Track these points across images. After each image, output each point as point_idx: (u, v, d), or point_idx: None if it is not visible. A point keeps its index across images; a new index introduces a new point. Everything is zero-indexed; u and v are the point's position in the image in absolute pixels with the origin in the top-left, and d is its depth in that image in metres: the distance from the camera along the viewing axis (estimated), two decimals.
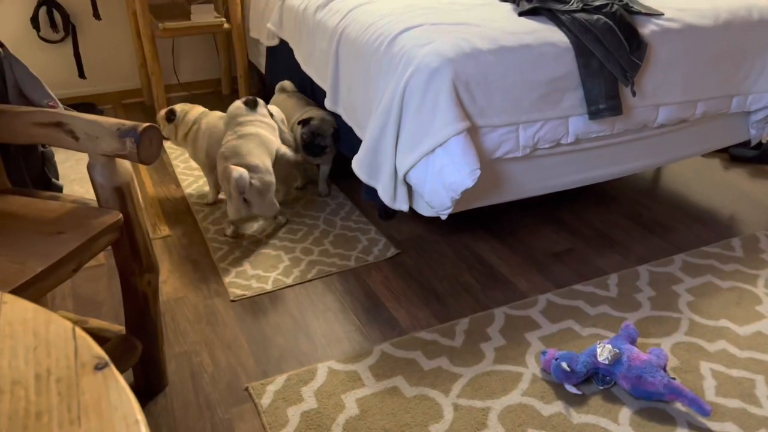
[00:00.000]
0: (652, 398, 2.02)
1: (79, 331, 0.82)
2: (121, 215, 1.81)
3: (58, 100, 2.19)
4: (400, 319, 2.50)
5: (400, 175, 2.59)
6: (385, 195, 2.72)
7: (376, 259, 2.86)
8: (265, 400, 2.09)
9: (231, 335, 2.39)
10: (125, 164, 1.88)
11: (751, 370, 2.16)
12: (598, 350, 2.11)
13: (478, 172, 2.42)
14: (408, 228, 3.13)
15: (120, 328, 2.08)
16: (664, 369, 2.06)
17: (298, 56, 3.49)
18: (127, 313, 2.02)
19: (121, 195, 1.83)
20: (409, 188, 2.69)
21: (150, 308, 2.02)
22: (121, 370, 1.97)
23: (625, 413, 2.01)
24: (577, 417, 2.00)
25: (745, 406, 2.01)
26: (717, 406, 2.01)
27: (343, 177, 3.64)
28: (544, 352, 2.20)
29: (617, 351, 2.09)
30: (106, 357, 0.78)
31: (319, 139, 3.15)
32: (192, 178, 3.60)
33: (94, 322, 2.11)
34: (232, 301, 2.58)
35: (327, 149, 3.19)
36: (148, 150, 1.75)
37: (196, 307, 2.55)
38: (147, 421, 2.02)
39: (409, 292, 2.65)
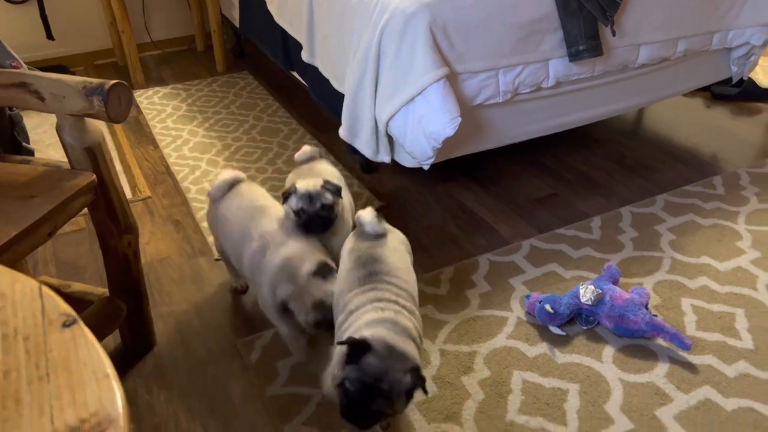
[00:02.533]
0: (635, 336, 2.06)
1: (45, 290, 0.81)
2: (94, 176, 1.78)
3: (21, 61, 2.11)
4: None
5: (381, 126, 2.55)
6: (366, 148, 2.69)
7: None
8: (254, 356, 2.10)
9: (217, 294, 2.39)
10: (95, 124, 1.83)
11: (731, 305, 2.20)
12: (581, 291, 2.13)
13: (459, 120, 2.39)
14: (391, 180, 3.11)
15: (104, 290, 2.07)
16: (646, 307, 2.09)
17: (271, 7, 3.39)
18: (109, 275, 2.01)
19: (92, 155, 1.79)
20: (391, 140, 2.65)
21: (132, 269, 2.00)
22: (107, 332, 1.97)
23: (608, 351, 2.04)
24: (562, 357, 2.03)
25: (725, 339, 2.05)
26: (697, 341, 2.05)
27: (323, 130, 3.59)
28: (528, 296, 2.22)
29: (600, 291, 2.11)
30: (74, 314, 0.77)
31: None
32: (170, 138, 3.54)
33: (77, 286, 2.10)
34: (217, 260, 2.57)
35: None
36: (117, 108, 1.70)
37: (180, 268, 2.54)
38: (136, 382, 2.04)
39: None
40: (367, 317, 1.59)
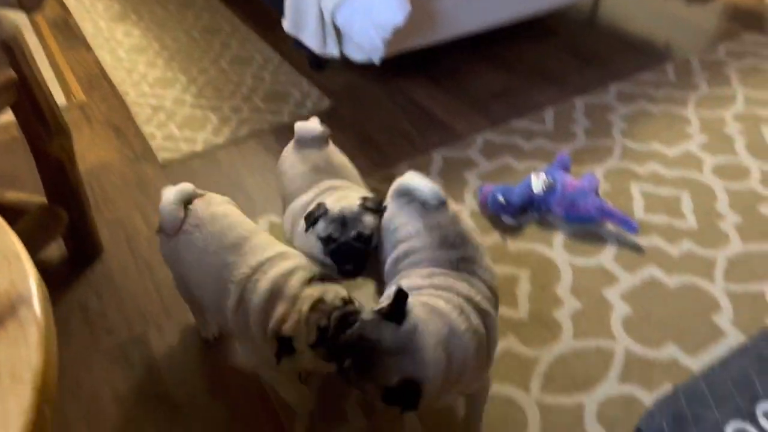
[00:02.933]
0: (585, 222, 2.09)
1: None
2: (14, 73, 1.64)
3: None
4: None
5: (327, 15, 2.42)
6: (313, 40, 2.56)
7: (309, 113, 2.75)
8: None
9: None
10: (8, 17, 1.67)
11: (678, 187, 2.24)
12: (533, 181, 2.14)
13: (408, 8, 2.28)
14: (341, 78, 3.00)
15: (42, 199, 1.98)
16: (596, 193, 2.11)
17: None
18: (45, 182, 1.91)
19: (9, 51, 1.65)
20: (339, 32, 2.53)
21: (68, 175, 1.90)
22: (47, 240, 1.89)
23: (558, 238, 2.08)
24: (514, 245, 2.06)
25: (671, 220, 2.11)
26: (644, 223, 2.10)
27: (268, 28, 3.41)
28: (480, 188, 2.22)
29: (551, 180, 2.12)
30: None
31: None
32: (102, 39, 3.31)
33: (12, 195, 2.00)
34: (162, 164, 2.47)
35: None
36: None
37: (123, 174, 2.44)
38: (86, 289, 1.99)
39: (346, 143, 2.58)
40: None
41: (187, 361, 1.76)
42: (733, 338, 1.72)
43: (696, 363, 1.67)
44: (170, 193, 1.57)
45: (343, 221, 1.50)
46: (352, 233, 1.49)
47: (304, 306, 1.36)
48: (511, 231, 2.11)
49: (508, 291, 1.90)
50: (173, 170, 2.44)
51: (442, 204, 1.47)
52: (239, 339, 1.52)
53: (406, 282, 1.36)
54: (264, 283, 1.41)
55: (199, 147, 2.54)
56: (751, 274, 1.91)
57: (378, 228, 1.54)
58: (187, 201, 1.58)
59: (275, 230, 2.15)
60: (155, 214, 2.25)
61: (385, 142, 2.58)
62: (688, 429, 1.44)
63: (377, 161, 2.47)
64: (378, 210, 1.54)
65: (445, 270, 1.36)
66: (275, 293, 1.39)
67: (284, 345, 1.35)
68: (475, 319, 1.27)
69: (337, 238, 1.50)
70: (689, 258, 1.97)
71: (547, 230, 2.11)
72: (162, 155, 2.50)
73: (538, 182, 2.12)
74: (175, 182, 2.38)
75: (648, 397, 1.59)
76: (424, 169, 2.40)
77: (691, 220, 2.11)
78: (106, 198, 2.33)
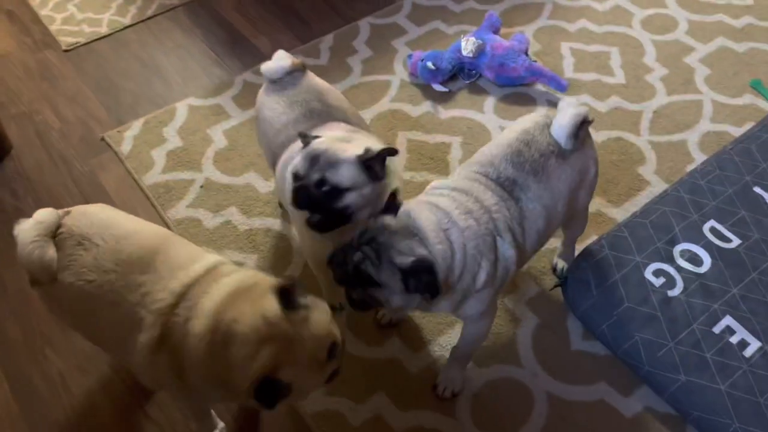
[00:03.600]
0: (515, 83, 2.06)
1: None
2: None
3: None
4: (261, 45, 2.31)
5: None
6: None
7: None
8: (125, 147, 1.96)
9: (73, 87, 2.15)
10: None
11: (608, 44, 2.21)
12: (463, 44, 2.06)
13: None
14: None
15: None
16: (526, 53, 2.06)
17: None
18: None
19: None
20: None
21: None
22: None
23: (489, 102, 2.04)
24: (445, 113, 2.02)
25: (600, 77, 2.09)
26: (574, 81, 2.08)
27: None
28: (410, 56, 2.13)
29: (481, 42, 2.05)
30: None
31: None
32: None
33: None
34: (66, 50, 2.27)
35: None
36: None
37: (25, 64, 2.23)
38: None
39: (267, 16, 2.42)
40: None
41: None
42: (656, 187, 1.77)
43: (621, 213, 1.72)
44: (26, 232, 1.17)
45: (314, 159, 1.23)
46: (315, 176, 1.21)
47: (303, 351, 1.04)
48: (442, 99, 2.06)
49: (440, 159, 1.88)
50: (78, 56, 2.25)
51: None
52: (151, 383, 1.23)
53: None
54: (200, 322, 1.08)
55: (104, 29, 2.34)
56: (675, 124, 1.94)
57: (371, 196, 1.25)
58: (51, 230, 1.18)
59: (195, 114, 2.04)
60: (66, 104, 2.09)
61: (309, 12, 2.43)
62: (611, 274, 1.51)
63: (300, 34, 2.34)
64: (374, 172, 1.24)
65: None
66: (224, 334, 1.04)
67: (278, 389, 1.02)
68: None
69: (303, 177, 1.24)
70: (617, 113, 1.98)
71: (478, 95, 2.07)
72: (64, 40, 2.29)
73: (467, 45, 2.05)
74: (82, 69, 2.21)
75: (575, 250, 1.64)
76: (351, 39, 2.29)
77: (619, 76, 2.10)
78: (9, 91, 2.15)
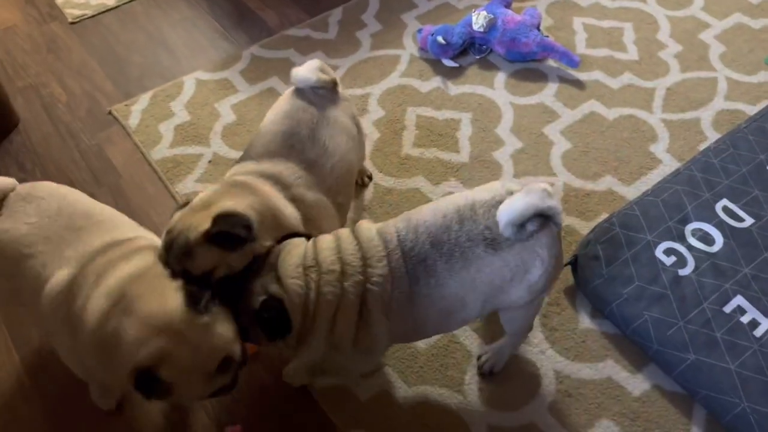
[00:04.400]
0: (526, 59, 2.03)
1: None
2: None
3: None
4: (268, 18, 2.28)
5: None
6: None
7: None
8: (132, 121, 1.95)
9: (79, 60, 2.13)
10: None
11: (621, 19, 2.17)
12: (474, 18, 2.03)
13: None
14: None
15: None
16: (538, 28, 2.03)
17: None
18: None
19: None
20: None
21: None
22: None
23: (500, 78, 2.02)
24: (455, 89, 2.00)
25: (613, 53, 2.06)
26: (586, 57, 2.04)
27: None
28: (419, 30, 2.10)
29: (492, 16, 2.02)
30: None
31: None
32: None
33: None
34: (72, 23, 2.25)
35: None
36: None
37: (31, 36, 2.21)
38: (6, 162, 1.87)
39: None
40: None
41: None
42: (668, 166, 1.75)
43: (632, 192, 1.70)
44: None
45: (168, 246, 1.12)
46: (177, 269, 1.10)
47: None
48: (452, 74, 2.04)
49: (449, 135, 1.86)
50: (85, 29, 2.23)
51: None
52: (46, 335, 1.22)
53: None
54: (109, 284, 1.07)
55: (111, 1, 2.31)
56: (688, 102, 1.91)
57: (244, 260, 1.12)
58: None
59: (203, 88, 2.02)
60: (73, 78, 2.08)
61: None
62: (621, 252, 1.50)
63: (308, 7, 2.30)
64: (231, 242, 1.10)
65: None
66: (125, 306, 1.04)
67: (156, 385, 1.00)
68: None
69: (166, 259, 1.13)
70: (629, 90, 1.95)
71: (489, 71, 2.04)
72: (71, 12, 2.27)
73: (478, 19, 2.02)
74: (88, 42, 2.19)
75: (586, 228, 1.63)
76: (360, 12, 2.25)
77: (632, 52, 2.06)
78: (15, 64, 2.13)
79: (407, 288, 1.10)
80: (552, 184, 1.06)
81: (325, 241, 1.13)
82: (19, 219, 1.18)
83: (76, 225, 1.17)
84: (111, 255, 1.11)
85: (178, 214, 1.15)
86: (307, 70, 1.39)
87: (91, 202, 1.24)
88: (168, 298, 1.03)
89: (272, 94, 2.00)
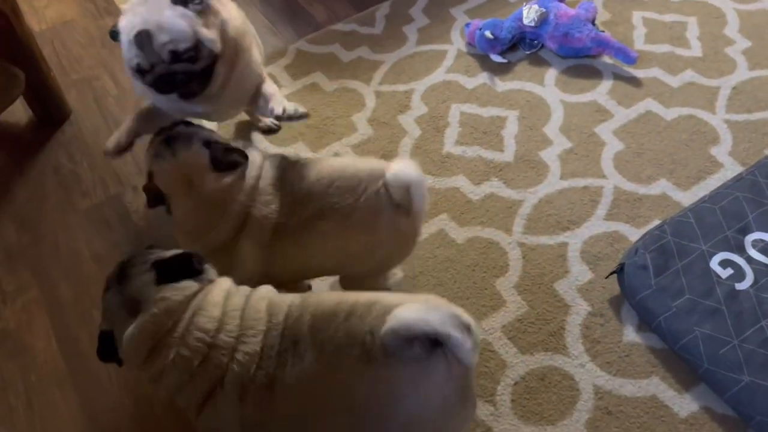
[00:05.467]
0: (579, 54, 1.93)
1: None
2: None
3: None
4: (315, 13, 2.26)
5: None
6: None
7: None
8: None
9: None
10: None
11: (685, 13, 2.04)
12: (524, 12, 1.95)
13: None
14: None
15: None
16: (593, 23, 1.93)
17: None
18: None
19: None
20: None
21: (16, 29, 1.76)
22: (7, 101, 1.80)
23: (551, 74, 1.93)
24: (502, 85, 1.92)
25: (674, 49, 1.93)
26: (645, 54, 1.93)
27: None
28: (467, 24, 2.04)
29: (544, 10, 1.93)
30: None
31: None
32: None
33: None
34: None
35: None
36: None
37: (86, 30, 2.27)
38: (57, 152, 1.92)
39: None
40: None
41: (165, 220, 1.72)
42: (730, 171, 1.63)
43: (689, 197, 1.59)
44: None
45: (141, 41, 1.15)
46: (165, 55, 1.14)
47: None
48: (500, 70, 1.96)
49: (493, 133, 1.80)
50: None
51: None
52: None
53: None
54: None
55: None
56: (755, 102, 1.77)
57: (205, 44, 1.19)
58: None
59: None
60: (122, 71, 2.12)
61: None
62: (672, 262, 1.40)
63: (356, 2, 2.27)
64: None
65: None
66: None
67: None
68: None
69: (148, 67, 1.18)
70: (690, 88, 1.83)
71: (539, 67, 1.96)
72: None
73: (529, 13, 1.94)
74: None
75: (635, 234, 1.53)
76: (408, 6, 2.20)
77: (696, 48, 1.93)
78: (70, 57, 2.19)
79: (271, 371, 0.96)
80: (468, 325, 0.91)
81: (213, 296, 1.03)
82: None
83: None
84: None
85: None
86: None
87: None
88: None
89: (315, 89, 1.98)
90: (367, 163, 1.27)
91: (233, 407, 0.97)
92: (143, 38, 1.19)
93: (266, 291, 1.09)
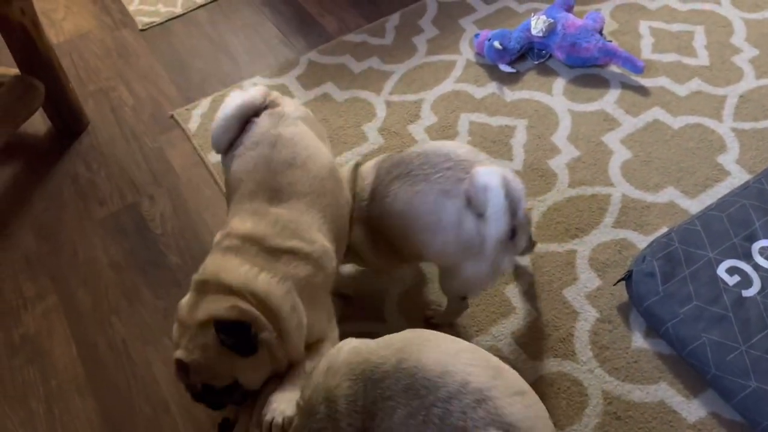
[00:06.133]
0: (587, 64, 1.95)
1: None
2: None
3: None
4: (326, 24, 2.30)
5: None
6: None
7: None
8: (192, 125, 2.01)
9: (146, 65, 2.22)
10: None
11: (692, 22, 2.06)
12: (533, 23, 1.98)
13: None
14: None
15: (15, 71, 1.90)
16: (600, 32, 1.95)
17: None
18: (13, 52, 1.82)
19: None
20: None
21: (36, 42, 1.81)
22: (27, 112, 1.85)
23: (559, 84, 1.95)
24: (511, 95, 1.95)
25: (681, 58, 1.95)
26: (652, 63, 1.95)
27: None
28: (476, 35, 2.07)
29: (552, 21, 1.96)
30: None
31: None
32: None
33: None
34: (141, 30, 2.35)
35: None
36: None
37: (103, 42, 2.33)
38: (75, 161, 1.97)
39: None
40: None
41: (180, 228, 1.77)
42: (737, 179, 1.65)
43: (696, 205, 1.61)
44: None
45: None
46: (198, 387, 1.15)
47: None
48: (508, 80, 1.99)
49: (502, 142, 1.82)
50: (153, 35, 2.32)
51: None
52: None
53: None
54: None
55: (178, 9, 2.39)
56: (763, 110, 1.79)
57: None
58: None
59: None
60: (139, 82, 2.17)
61: None
62: (679, 269, 1.42)
63: (367, 12, 2.31)
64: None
65: None
66: None
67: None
68: None
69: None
70: (697, 97, 1.85)
71: (547, 76, 1.98)
72: (141, 20, 2.37)
73: (537, 23, 1.97)
74: (155, 47, 2.28)
75: (643, 242, 1.55)
76: (417, 17, 2.24)
77: (702, 57, 1.95)
78: (87, 68, 2.24)
79: (359, 425, 0.98)
80: None
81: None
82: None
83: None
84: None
85: None
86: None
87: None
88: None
89: (326, 99, 2.02)
90: (470, 154, 1.26)
91: None
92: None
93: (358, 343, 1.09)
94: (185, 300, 1.14)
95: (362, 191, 1.36)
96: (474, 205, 1.17)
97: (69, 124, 2.02)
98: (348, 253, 1.39)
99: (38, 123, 2.08)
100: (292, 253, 1.15)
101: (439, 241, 1.25)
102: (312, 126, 1.36)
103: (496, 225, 1.15)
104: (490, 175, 1.15)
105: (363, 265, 1.53)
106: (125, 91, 2.15)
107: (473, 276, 1.27)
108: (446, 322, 1.46)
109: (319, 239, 1.20)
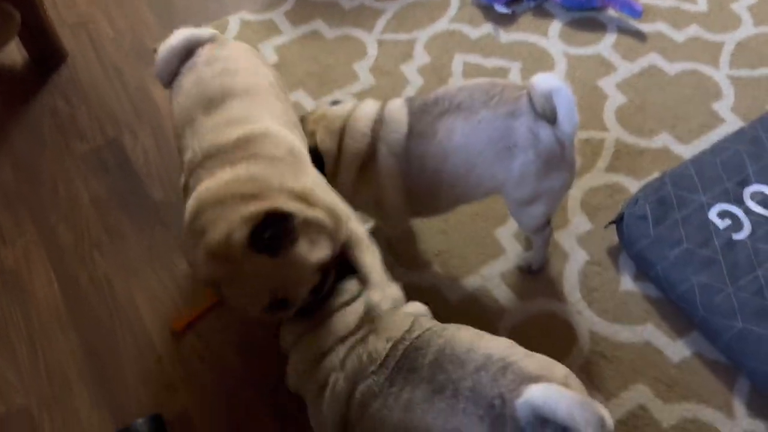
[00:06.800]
0: (584, 7, 1.90)
1: None
2: None
3: None
4: None
5: None
6: None
7: None
8: None
9: None
10: None
11: None
12: None
13: None
14: None
15: None
16: None
17: None
18: None
19: None
20: None
21: None
22: (4, 41, 1.76)
23: (555, 26, 1.91)
24: (506, 36, 1.90)
25: (679, 4, 1.91)
26: (650, 7, 1.90)
27: None
28: None
29: None
30: None
31: None
32: None
33: None
34: None
35: None
36: None
37: None
38: (54, 94, 1.89)
39: None
40: None
41: (163, 164, 1.72)
42: (731, 125, 1.63)
43: (690, 151, 1.60)
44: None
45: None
46: None
47: None
48: (504, 21, 1.94)
49: None
50: None
51: None
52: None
53: None
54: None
55: None
56: (760, 58, 1.77)
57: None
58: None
59: (247, 29, 1.99)
60: (120, 15, 2.07)
61: None
62: (671, 213, 1.42)
63: None
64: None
65: None
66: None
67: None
68: None
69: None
70: (695, 43, 1.82)
71: (543, 19, 1.93)
72: None
73: None
74: None
75: (636, 187, 1.54)
76: None
77: (701, 3, 1.91)
78: (66, 0, 2.14)
79: (380, 384, 0.97)
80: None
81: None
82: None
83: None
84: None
85: None
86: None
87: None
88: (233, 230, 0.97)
89: (316, 36, 1.95)
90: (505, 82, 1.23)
91: (339, 403, 1.00)
92: None
93: (417, 308, 1.10)
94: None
95: (389, 137, 1.23)
96: (544, 113, 1.13)
97: (46, 55, 1.93)
98: (365, 207, 1.31)
99: (14, 54, 1.99)
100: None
101: (518, 164, 1.18)
102: (263, 63, 1.29)
103: (570, 123, 1.13)
104: (550, 79, 1.12)
105: (379, 221, 1.45)
106: (106, 24, 2.05)
107: (560, 187, 1.24)
108: (542, 261, 1.43)
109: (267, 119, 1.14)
